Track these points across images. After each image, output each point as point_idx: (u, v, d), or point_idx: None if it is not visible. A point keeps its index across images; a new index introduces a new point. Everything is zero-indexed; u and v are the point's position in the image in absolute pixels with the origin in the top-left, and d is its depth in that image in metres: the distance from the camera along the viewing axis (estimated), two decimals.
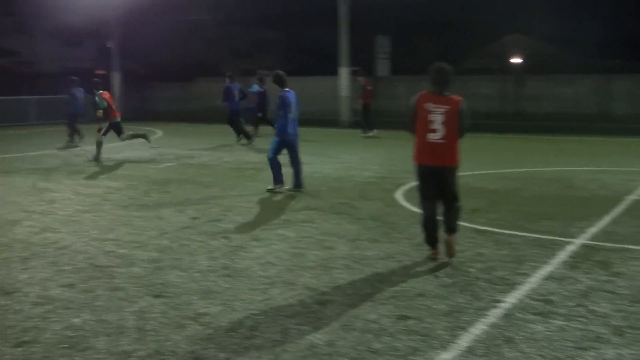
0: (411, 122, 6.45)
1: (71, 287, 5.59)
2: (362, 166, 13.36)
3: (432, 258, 6.35)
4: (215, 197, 9.93)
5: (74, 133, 18.61)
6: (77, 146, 17.73)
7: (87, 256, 6.58)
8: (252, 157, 14.94)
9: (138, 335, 4.57)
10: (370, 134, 20.39)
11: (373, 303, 5.16)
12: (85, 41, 46.94)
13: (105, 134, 14.69)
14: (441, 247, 6.37)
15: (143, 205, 9.29)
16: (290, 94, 10.05)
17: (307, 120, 23.48)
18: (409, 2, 30.28)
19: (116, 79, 32.11)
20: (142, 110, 32.59)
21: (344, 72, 26.09)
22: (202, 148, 17.06)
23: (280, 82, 10.08)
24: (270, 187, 10.32)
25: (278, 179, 10.29)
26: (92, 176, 12.11)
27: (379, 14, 31.91)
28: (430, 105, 6.22)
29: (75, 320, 4.84)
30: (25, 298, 5.33)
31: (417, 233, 7.40)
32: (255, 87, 19.43)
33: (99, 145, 14.58)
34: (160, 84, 34.88)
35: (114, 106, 14.93)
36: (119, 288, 5.56)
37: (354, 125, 25.13)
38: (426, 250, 6.55)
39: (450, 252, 6.32)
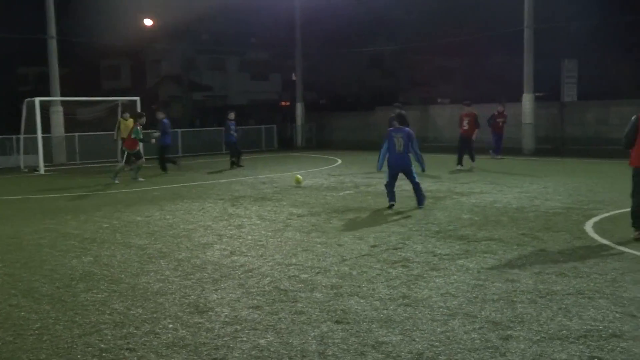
0: (630, 137, 8.50)
1: (258, 309, 5.85)
2: (545, 196, 12.74)
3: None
4: (394, 225, 9.96)
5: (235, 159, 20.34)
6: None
7: (272, 280, 6.86)
8: (430, 186, 14.81)
9: (320, 359, 4.66)
10: (458, 167, 18.45)
11: (561, 341, 4.86)
12: (271, 75, 49.74)
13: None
14: None
15: (324, 232, 9.54)
16: (392, 130, 11.78)
17: (487, 149, 22.80)
18: (597, 23, 28.73)
19: (299, 109, 33.56)
20: (321, 139, 33.77)
21: (527, 99, 25.22)
22: (379, 177, 17.22)
23: (403, 121, 12.05)
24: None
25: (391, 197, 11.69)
26: (276, 203, 12.67)
27: (566, 37, 30.52)
28: None
29: (262, 341, 5.05)
30: (216, 317, 5.65)
31: (610, 268, 6.92)
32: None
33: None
34: (339, 114, 35.92)
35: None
36: (302, 312, 5.73)
37: (536, 153, 24.17)
38: (620, 288, 6.11)
39: None
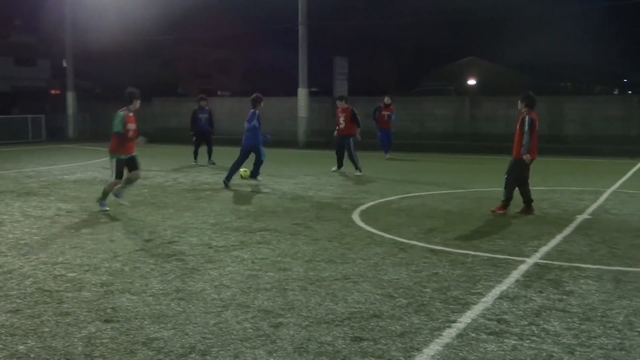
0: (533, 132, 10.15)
1: (17, 313, 5.41)
2: (318, 186, 13.35)
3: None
4: (170, 218, 9.79)
5: None
6: None
7: (34, 280, 6.38)
8: (208, 178, 14.80)
9: None
10: (334, 169, 16.30)
11: (328, 325, 5.12)
12: (39, 60, 46.20)
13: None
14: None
15: (95, 227, 9.10)
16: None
17: (264, 141, 23.25)
18: (366, 24, 30.68)
19: (70, 98, 31.58)
20: (96, 130, 32.13)
21: (302, 93, 26.17)
22: (156, 169, 16.86)
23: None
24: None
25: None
26: (43, 198, 11.83)
27: (338, 36, 32.19)
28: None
29: (21, 347, 4.68)
30: None
31: (373, 253, 7.43)
32: None
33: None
34: (116, 104, 34.47)
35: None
36: (68, 313, 5.40)
37: (310, 145, 25.19)
38: (381, 271, 6.60)
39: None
